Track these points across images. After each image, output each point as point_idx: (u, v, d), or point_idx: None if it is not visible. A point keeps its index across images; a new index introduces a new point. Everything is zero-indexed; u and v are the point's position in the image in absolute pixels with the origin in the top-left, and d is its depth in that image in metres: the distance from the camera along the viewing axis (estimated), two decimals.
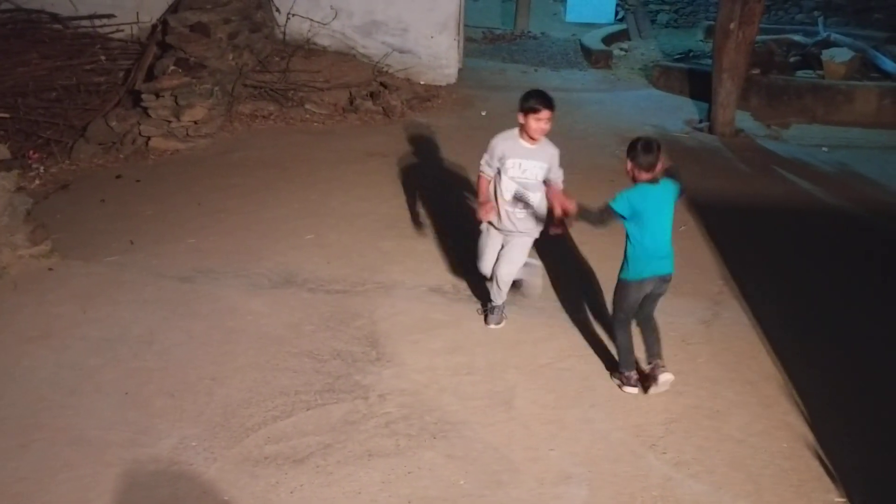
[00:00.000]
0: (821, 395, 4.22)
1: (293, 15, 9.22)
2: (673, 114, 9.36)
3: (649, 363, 4.23)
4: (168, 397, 4.05)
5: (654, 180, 4.03)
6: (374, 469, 3.61)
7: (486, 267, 4.71)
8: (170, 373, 4.24)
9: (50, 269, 5.27)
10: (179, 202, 6.39)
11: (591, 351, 4.57)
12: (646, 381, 4.23)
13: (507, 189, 4.46)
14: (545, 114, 4.29)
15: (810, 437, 3.91)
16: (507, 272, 4.63)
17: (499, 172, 4.48)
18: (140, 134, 7.56)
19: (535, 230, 4.59)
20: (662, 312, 4.84)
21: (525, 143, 4.41)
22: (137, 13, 8.60)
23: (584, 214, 4.22)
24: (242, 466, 3.60)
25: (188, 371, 4.26)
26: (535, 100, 4.30)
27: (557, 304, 5.05)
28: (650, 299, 4.21)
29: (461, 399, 4.11)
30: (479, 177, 4.61)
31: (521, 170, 4.42)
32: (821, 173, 7.68)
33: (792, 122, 9.17)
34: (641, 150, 3.99)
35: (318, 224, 6.04)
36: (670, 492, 3.53)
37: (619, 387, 4.25)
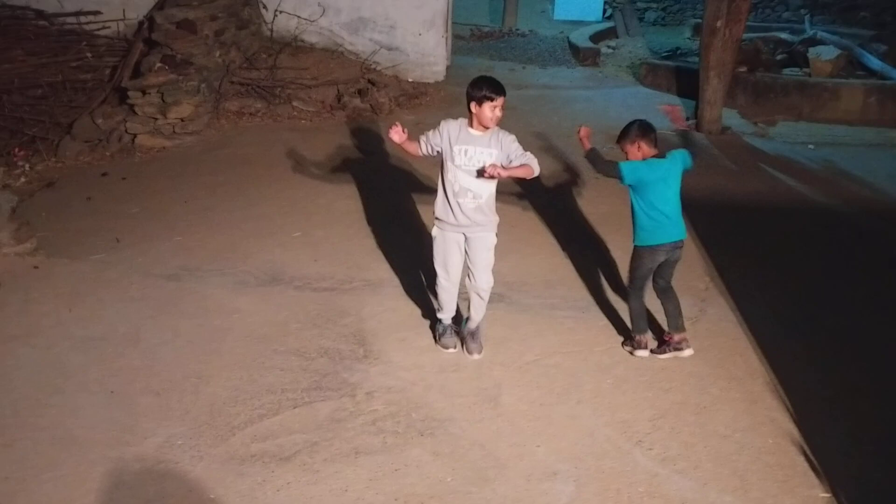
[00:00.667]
0: (806, 391, 4.24)
1: (280, 12, 9.19)
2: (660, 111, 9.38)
3: (669, 333, 4.50)
4: (154, 396, 4.04)
5: (661, 154, 4.30)
6: (360, 467, 3.61)
7: (452, 285, 4.41)
8: (156, 371, 4.23)
9: (35, 268, 5.24)
10: (166, 200, 6.36)
11: (577, 348, 4.57)
12: (661, 345, 4.53)
13: (455, 178, 4.20)
14: (500, 101, 4.11)
15: (795, 432, 3.93)
16: (488, 280, 4.38)
17: (443, 162, 4.26)
18: (126, 131, 7.52)
19: (493, 223, 4.33)
20: (648, 308, 4.87)
21: (473, 131, 4.19)
22: (124, 10, 8.55)
23: (592, 154, 4.42)
24: (229, 465, 3.59)
25: (174, 369, 4.25)
26: (489, 87, 4.10)
27: (544, 301, 5.05)
28: (666, 266, 4.39)
29: (448, 396, 4.11)
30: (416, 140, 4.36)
31: (468, 157, 4.16)
32: (807, 171, 7.71)
33: (778, 120, 9.21)
34: (642, 129, 4.30)
35: (305, 222, 6.02)
36: (656, 488, 3.55)
37: (631, 352, 4.50)
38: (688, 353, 4.48)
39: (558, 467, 3.64)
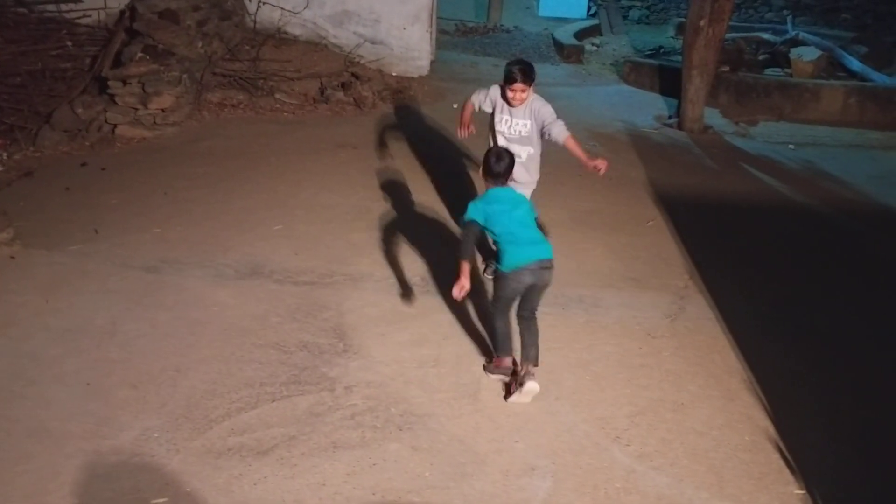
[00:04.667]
0: (783, 389, 4.28)
1: (264, 3, 9.13)
2: (642, 109, 9.42)
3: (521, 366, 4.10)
4: (131, 388, 4.00)
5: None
6: (338, 461, 3.60)
7: None
8: (133, 364, 4.19)
9: (12, 258, 5.18)
10: (145, 191, 6.31)
11: (557, 344, 4.57)
12: (510, 385, 4.13)
13: (498, 142, 4.83)
14: (518, 86, 4.66)
15: (772, 430, 3.96)
16: None
17: (491, 125, 4.90)
18: (106, 121, 7.44)
19: (532, 182, 4.97)
20: (628, 306, 4.91)
21: (510, 104, 4.78)
22: None
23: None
24: (205, 458, 3.57)
25: (152, 362, 4.21)
26: (509, 73, 4.70)
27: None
28: (532, 293, 4.08)
29: (427, 391, 4.11)
30: (465, 103, 5.02)
31: (507, 125, 4.82)
32: (787, 170, 7.78)
33: (760, 120, 9.28)
34: (495, 158, 4.10)
35: (286, 215, 5.99)
36: (633, 484, 3.57)
37: (491, 372, 4.21)
38: (529, 386, 3.98)
39: (536, 463, 3.65)
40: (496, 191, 4.11)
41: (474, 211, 4.03)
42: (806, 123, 9.23)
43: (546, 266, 4.02)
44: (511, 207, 4.05)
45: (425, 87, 9.41)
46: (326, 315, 4.74)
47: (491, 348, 4.34)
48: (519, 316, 4.15)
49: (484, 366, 4.31)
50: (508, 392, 4.09)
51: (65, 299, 4.76)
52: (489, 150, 4.30)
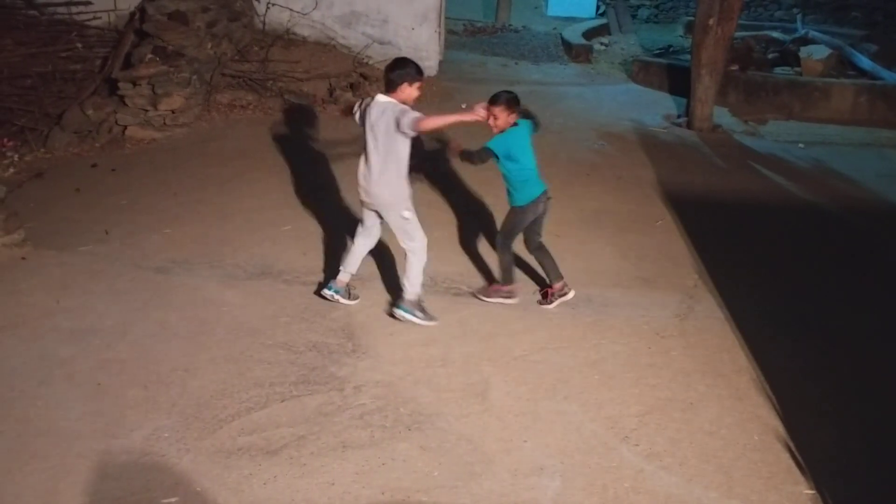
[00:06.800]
0: (792, 388, 4.26)
1: (273, 4, 9.16)
2: (651, 108, 9.41)
3: (551, 285, 4.94)
4: (141, 388, 4.02)
5: (515, 124, 4.68)
6: (348, 460, 3.60)
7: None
8: (143, 364, 4.21)
9: (23, 259, 5.21)
10: (155, 192, 6.34)
11: (565, 344, 4.58)
12: (546, 297, 4.94)
13: None
14: None
15: (781, 429, 3.95)
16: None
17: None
18: (116, 122, 7.49)
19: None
20: (636, 305, 4.90)
21: None
22: (115, 0, 8.51)
23: (466, 154, 4.78)
24: (215, 458, 3.58)
25: (161, 362, 4.23)
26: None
27: (532, 297, 5.06)
28: (538, 222, 4.85)
29: (436, 391, 4.12)
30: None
31: None
32: (796, 169, 7.75)
33: (769, 119, 9.25)
34: (511, 100, 4.61)
35: (295, 215, 6.01)
36: (642, 483, 3.56)
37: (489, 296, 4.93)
38: (571, 294, 4.90)
39: (545, 462, 3.65)
40: (521, 127, 4.68)
41: (498, 145, 4.62)
42: (815, 122, 9.20)
43: (549, 196, 4.82)
44: (529, 143, 4.71)
45: (433, 87, 9.40)
46: (335, 315, 4.75)
47: (500, 279, 4.99)
48: (535, 248, 4.90)
49: (477, 294, 4.97)
50: (547, 299, 4.92)
51: (75, 300, 4.79)
52: (502, 92, 4.67)
